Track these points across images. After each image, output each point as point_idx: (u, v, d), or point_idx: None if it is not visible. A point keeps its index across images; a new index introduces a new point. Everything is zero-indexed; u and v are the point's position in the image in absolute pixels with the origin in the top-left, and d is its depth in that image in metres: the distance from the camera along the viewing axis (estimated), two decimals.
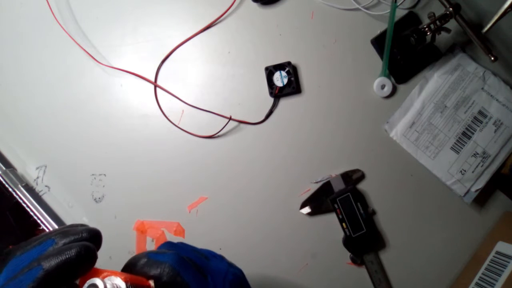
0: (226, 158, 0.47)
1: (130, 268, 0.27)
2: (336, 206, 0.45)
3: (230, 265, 0.32)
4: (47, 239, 0.24)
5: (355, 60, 0.48)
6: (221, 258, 0.33)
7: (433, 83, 0.47)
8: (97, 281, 0.22)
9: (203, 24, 0.48)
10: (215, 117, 0.47)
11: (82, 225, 0.26)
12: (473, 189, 0.46)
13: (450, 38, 0.47)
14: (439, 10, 0.43)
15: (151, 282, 0.27)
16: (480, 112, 0.46)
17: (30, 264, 0.22)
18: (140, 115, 0.48)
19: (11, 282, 0.21)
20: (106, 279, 0.23)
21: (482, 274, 0.43)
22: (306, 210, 0.46)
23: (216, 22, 0.48)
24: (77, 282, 0.23)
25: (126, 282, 0.24)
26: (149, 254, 0.28)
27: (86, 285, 0.22)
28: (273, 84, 0.47)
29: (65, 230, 0.24)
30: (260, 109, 0.48)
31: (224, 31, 0.48)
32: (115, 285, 0.23)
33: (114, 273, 0.24)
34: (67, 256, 0.22)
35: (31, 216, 0.44)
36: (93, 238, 0.24)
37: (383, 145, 0.47)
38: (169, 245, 0.32)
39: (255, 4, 0.48)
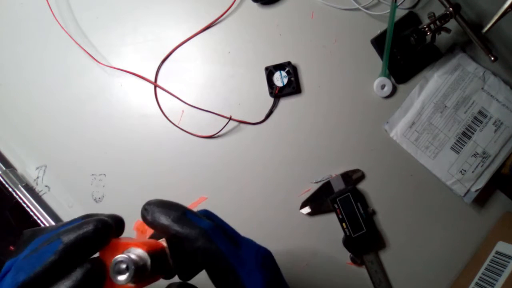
0: (226, 158, 0.47)
1: (155, 213, 0.27)
2: (336, 206, 0.45)
3: (260, 245, 0.32)
4: (71, 220, 0.25)
5: (355, 60, 0.48)
6: (250, 240, 0.33)
7: (433, 83, 0.47)
8: (122, 257, 0.23)
9: (203, 24, 0.48)
10: (215, 117, 0.47)
11: None
12: (473, 189, 0.46)
13: (450, 38, 0.47)
14: (439, 10, 0.43)
15: (163, 242, 0.27)
16: (480, 112, 0.46)
17: (51, 238, 0.23)
18: (140, 115, 0.48)
19: (32, 254, 0.23)
20: (129, 253, 0.24)
21: (482, 274, 0.43)
22: (306, 210, 0.46)
23: (216, 22, 0.48)
24: (98, 254, 0.24)
25: (147, 251, 0.25)
26: (187, 212, 0.28)
27: (113, 263, 0.23)
28: (273, 84, 0.47)
29: (89, 214, 0.26)
30: (260, 109, 0.48)
31: (224, 31, 0.48)
32: (138, 257, 0.24)
33: (135, 244, 0.25)
34: (84, 230, 0.23)
35: (31, 216, 0.44)
36: (113, 218, 0.26)
37: (383, 145, 0.47)
38: (206, 212, 0.31)
39: (255, 4, 0.48)
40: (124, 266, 0.23)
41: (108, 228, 0.24)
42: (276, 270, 0.32)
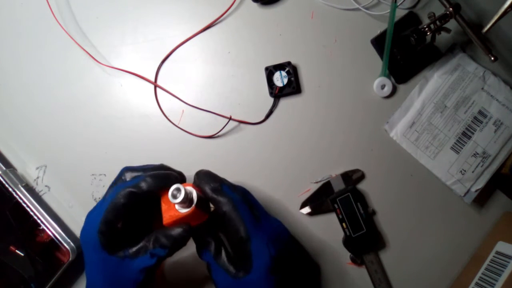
0: (226, 158, 0.47)
1: (201, 180, 0.37)
2: (336, 206, 0.45)
3: (281, 224, 0.39)
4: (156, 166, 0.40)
5: (355, 60, 0.48)
6: (275, 218, 0.39)
7: (433, 83, 0.47)
8: (179, 186, 0.34)
9: (203, 24, 0.48)
10: (215, 117, 0.47)
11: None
12: (473, 189, 0.46)
13: (450, 38, 0.47)
14: (439, 10, 0.44)
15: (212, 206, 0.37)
16: (480, 112, 0.46)
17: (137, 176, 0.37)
18: (140, 115, 0.48)
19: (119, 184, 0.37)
20: (186, 187, 0.34)
21: (482, 274, 0.43)
22: (306, 210, 0.46)
23: (216, 22, 0.49)
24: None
25: (198, 196, 0.35)
26: (223, 185, 0.36)
27: (172, 188, 0.34)
28: (273, 84, 0.47)
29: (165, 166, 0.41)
30: (260, 109, 0.48)
31: (224, 31, 0.49)
32: (190, 195, 0.35)
33: (189, 185, 0.36)
34: (158, 172, 0.37)
35: (31, 216, 0.44)
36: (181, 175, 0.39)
37: (383, 145, 0.47)
38: (242, 188, 0.38)
39: (255, 4, 0.48)
40: (177, 191, 0.33)
41: (174, 178, 0.37)
42: (288, 247, 0.38)
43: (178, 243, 0.34)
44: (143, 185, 0.35)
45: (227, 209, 0.34)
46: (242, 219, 0.34)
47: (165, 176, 0.36)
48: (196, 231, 0.36)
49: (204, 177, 0.37)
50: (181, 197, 0.33)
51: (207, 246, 0.36)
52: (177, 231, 0.34)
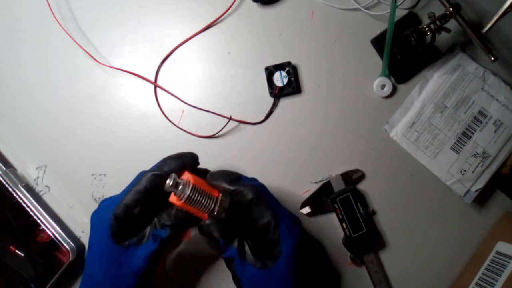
0: (226, 158, 0.47)
1: (217, 178, 0.36)
2: (336, 206, 0.45)
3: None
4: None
5: (355, 60, 0.48)
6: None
7: (433, 83, 0.47)
8: (174, 175, 0.34)
9: (203, 24, 0.48)
10: (215, 117, 0.47)
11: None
12: (473, 189, 0.46)
13: (450, 38, 0.47)
14: (439, 10, 0.44)
15: (220, 195, 0.36)
16: (480, 112, 0.46)
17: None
18: (140, 115, 0.48)
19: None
20: (180, 179, 0.34)
21: (482, 274, 0.43)
22: (306, 210, 0.46)
23: (216, 22, 0.48)
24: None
25: (193, 183, 0.34)
26: (242, 177, 0.37)
27: (169, 179, 0.34)
28: (273, 84, 0.47)
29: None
30: (260, 109, 0.48)
31: (224, 31, 0.48)
32: (184, 180, 0.34)
33: (188, 176, 0.36)
34: (174, 153, 0.38)
35: (31, 216, 0.44)
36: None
37: (383, 145, 0.47)
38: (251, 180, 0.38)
39: (255, 4, 0.48)
40: (170, 179, 0.33)
41: (196, 158, 0.38)
42: (304, 232, 0.39)
43: (179, 221, 0.35)
44: (164, 166, 0.36)
45: (252, 196, 0.34)
46: (269, 203, 0.35)
47: (182, 155, 0.37)
48: (218, 227, 0.35)
49: (219, 175, 0.37)
50: (170, 183, 0.33)
51: (231, 242, 0.35)
52: (176, 210, 0.35)
